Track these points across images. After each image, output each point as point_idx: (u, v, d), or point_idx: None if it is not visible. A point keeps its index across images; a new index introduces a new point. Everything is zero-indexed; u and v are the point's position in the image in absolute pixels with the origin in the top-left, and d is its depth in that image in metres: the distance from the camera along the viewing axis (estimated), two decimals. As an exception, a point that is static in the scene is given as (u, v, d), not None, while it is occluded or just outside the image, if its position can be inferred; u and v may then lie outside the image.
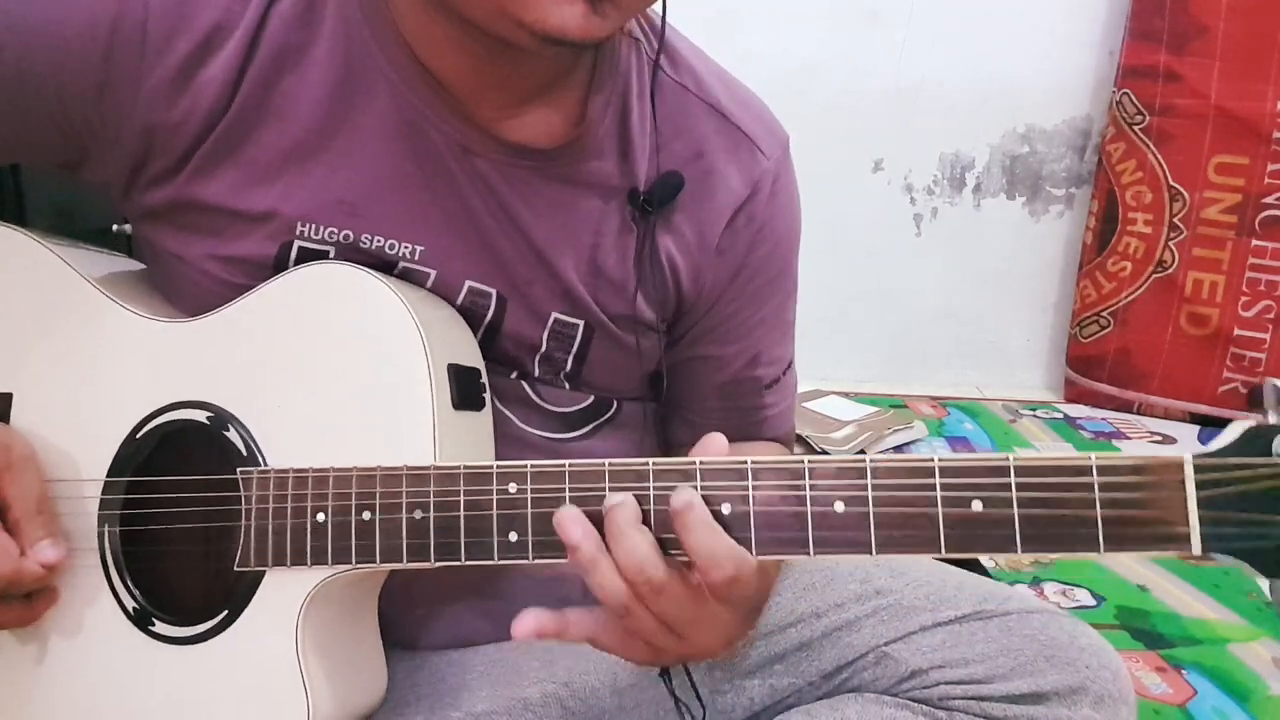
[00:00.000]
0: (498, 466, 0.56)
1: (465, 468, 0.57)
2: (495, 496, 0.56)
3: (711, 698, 0.74)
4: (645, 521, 0.54)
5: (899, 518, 0.52)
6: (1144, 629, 1.32)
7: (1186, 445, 1.95)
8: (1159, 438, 2.00)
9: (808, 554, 0.53)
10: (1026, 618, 0.72)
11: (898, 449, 1.90)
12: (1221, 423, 2.03)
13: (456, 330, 0.67)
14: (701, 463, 0.54)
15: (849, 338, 2.24)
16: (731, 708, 0.74)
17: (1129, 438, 1.99)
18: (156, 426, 0.65)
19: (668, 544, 0.54)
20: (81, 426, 0.66)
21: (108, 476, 0.65)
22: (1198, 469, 0.49)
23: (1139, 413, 2.10)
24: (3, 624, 0.63)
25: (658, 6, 0.68)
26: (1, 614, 0.63)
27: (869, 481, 0.52)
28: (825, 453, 1.82)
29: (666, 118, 0.71)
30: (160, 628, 0.63)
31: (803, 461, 0.53)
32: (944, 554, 0.52)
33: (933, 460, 0.52)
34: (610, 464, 0.55)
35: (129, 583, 0.64)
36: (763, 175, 0.74)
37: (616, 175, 0.70)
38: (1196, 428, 2.04)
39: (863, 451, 1.85)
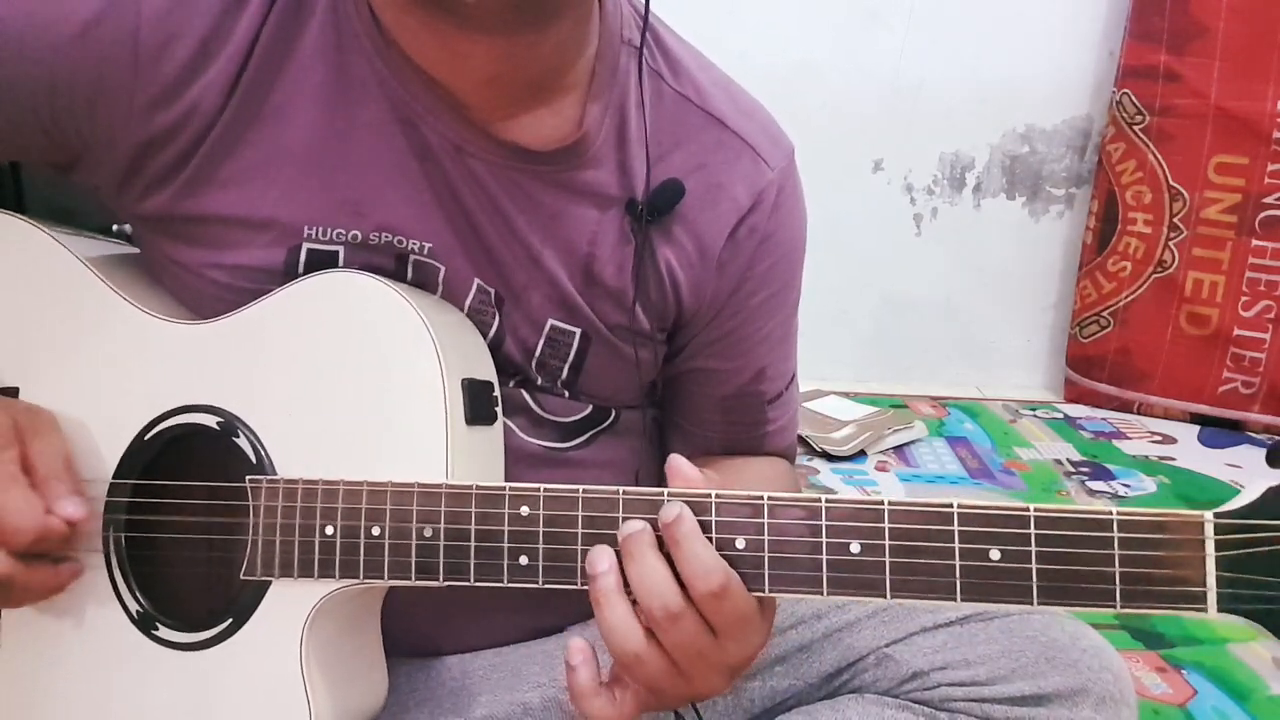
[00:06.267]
0: (510, 488, 0.56)
1: (478, 488, 0.56)
2: (507, 518, 0.56)
3: (710, 700, 0.74)
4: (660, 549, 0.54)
5: (915, 564, 0.52)
6: (1144, 629, 1.32)
7: (1187, 445, 1.98)
8: (1159, 438, 2.00)
9: (820, 594, 0.53)
10: (1027, 619, 0.71)
11: (897, 449, 1.90)
12: (1222, 423, 2.05)
13: (470, 341, 0.66)
14: (718, 495, 0.54)
15: (849, 337, 2.24)
16: (731, 710, 0.74)
17: (1129, 437, 1.99)
18: (164, 429, 0.64)
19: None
20: (88, 425, 0.65)
21: (114, 478, 0.65)
22: (1218, 528, 0.49)
23: (1139, 413, 2.10)
24: (34, 586, 0.62)
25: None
26: (31, 577, 0.61)
27: (886, 525, 0.52)
28: (825, 452, 1.82)
29: (666, 129, 0.69)
30: (164, 632, 0.63)
31: (819, 500, 0.53)
32: (959, 602, 0.51)
33: (952, 506, 0.51)
34: (625, 492, 0.55)
35: (133, 586, 0.64)
36: (767, 186, 0.72)
37: (614, 185, 0.68)
38: (1196, 428, 2.05)
39: (863, 452, 1.85)
